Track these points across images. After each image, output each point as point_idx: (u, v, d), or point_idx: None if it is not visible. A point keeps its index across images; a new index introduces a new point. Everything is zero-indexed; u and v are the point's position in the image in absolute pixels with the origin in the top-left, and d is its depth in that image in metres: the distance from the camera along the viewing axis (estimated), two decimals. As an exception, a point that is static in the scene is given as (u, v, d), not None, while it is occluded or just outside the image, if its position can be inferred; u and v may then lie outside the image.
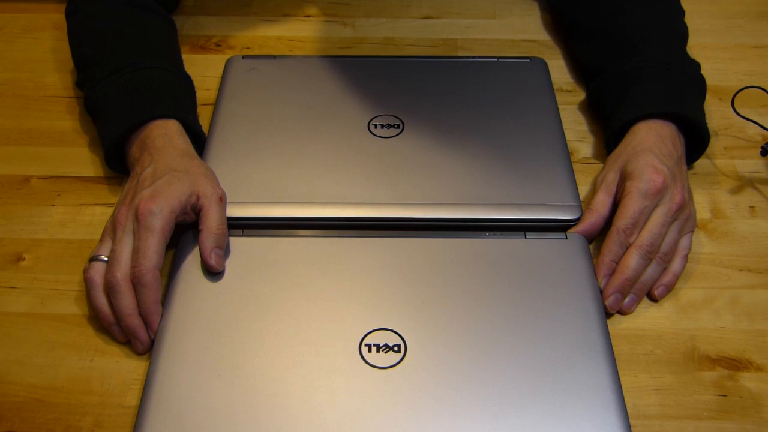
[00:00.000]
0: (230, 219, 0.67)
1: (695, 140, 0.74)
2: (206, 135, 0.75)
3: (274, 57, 0.84)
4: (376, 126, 0.76)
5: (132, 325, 0.60)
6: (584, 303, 0.62)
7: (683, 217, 0.67)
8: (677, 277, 0.67)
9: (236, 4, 0.96)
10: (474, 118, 0.77)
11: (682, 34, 0.82)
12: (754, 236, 0.71)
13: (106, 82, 0.73)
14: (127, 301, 0.60)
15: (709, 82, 0.78)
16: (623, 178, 0.69)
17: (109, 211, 0.72)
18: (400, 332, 0.60)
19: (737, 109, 0.78)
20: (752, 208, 0.73)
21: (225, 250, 0.65)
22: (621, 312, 0.65)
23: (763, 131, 0.80)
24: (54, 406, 0.58)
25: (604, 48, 0.81)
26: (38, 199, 0.73)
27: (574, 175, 0.72)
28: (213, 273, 0.64)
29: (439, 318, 0.61)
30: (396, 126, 0.76)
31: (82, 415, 0.58)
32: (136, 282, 0.60)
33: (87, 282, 0.62)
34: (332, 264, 0.65)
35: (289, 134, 0.75)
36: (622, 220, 0.66)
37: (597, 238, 0.69)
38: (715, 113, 0.83)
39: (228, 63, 0.84)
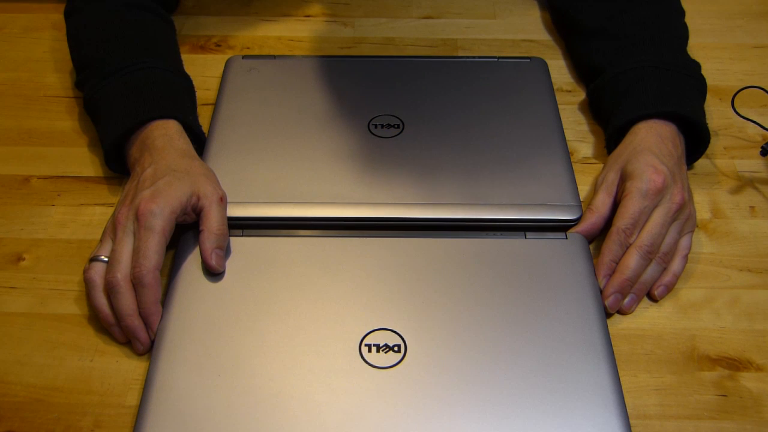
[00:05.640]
0: (230, 219, 0.67)
1: (696, 140, 0.74)
2: (206, 135, 0.75)
3: (274, 57, 0.85)
4: (376, 126, 0.76)
5: (132, 326, 0.60)
6: (584, 303, 0.62)
7: (683, 217, 0.67)
8: (677, 277, 0.67)
9: (236, 4, 0.96)
10: (474, 118, 0.77)
11: (683, 34, 0.82)
12: (754, 236, 0.71)
13: (106, 83, 0.73)
14: (127, 301, 0.60)
15: (709, 82, 0.78)
16: (623, 178, 0.69)
17: (109, 211, 0.72)
18: (400, 332, 0.60)
19: (737, 109, 0.78)
20: (752, 208, 0.73)
21: (225, 251, 0.65)
22: (621, 312, 0.65)
23: (763, 131, 0.80)
24: (54, 406, 0.58)
25: (605, 48, 0.81)
26: (38, 199, 0.73)
27: (574, 175, 0.72)
28: (213, 273, 0.64)
29: (439, 318, 0.61)
30: (396, 126, 0.76)
31: (82, 415, 0.58)
32: (136, 282, 0.60)
33: (87, 282, 0.62)
34: (332, 264, 0.65)
35: (289, 134, 0.75)
36: (622, 221, 0.66)
37: (597, 238, 0.69)
38: (715, 113, 0.83)
39: (228, 63, 0.84)
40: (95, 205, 0.73)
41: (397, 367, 0.58)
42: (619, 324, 0.64)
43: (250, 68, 0.83)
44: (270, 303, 0.62)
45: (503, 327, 0.60)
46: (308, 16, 0.95)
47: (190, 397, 0.56)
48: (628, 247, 0.65)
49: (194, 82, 0.79)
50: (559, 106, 0.80)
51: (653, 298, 0.66)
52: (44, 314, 0.64)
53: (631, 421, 0.57)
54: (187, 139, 0.71)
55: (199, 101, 0.80)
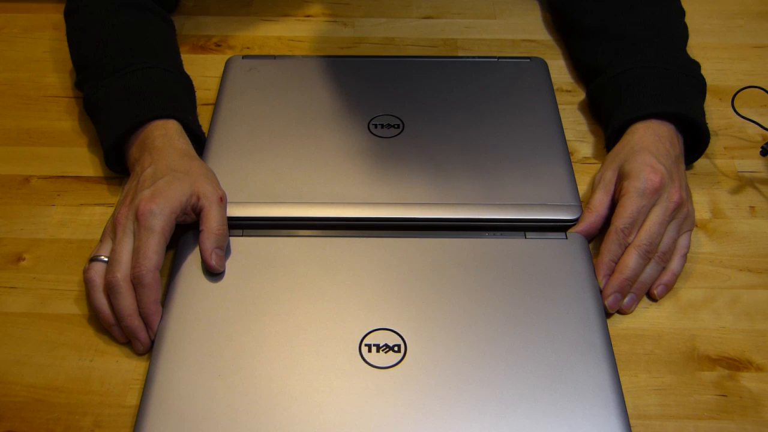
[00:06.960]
0: (230, 219, 0.67)
1: (695, 140, 0.74)
2: (206, 135, 0.75)
3: (274, 57, 0.85)
4: (376, 126, 0.76)
5: (132, 326, 0.60)
6: (584, 303, 0.62)
7: (681, 216, 0.67)
8: (676, 276, 0.67)
9: (236, 4, 0.96)
10: (474, 118, 0.77)
11: (683, 34, 0.82)
12: (754, 236, 0.71)
13: (106, 83, 0.73)
14: (127, 301, 0.60)
15: (709, 82, 0.78)
16: (621, 178, 0.69)
17: (109, 211, 0.72)
18: (400, 332, 0.60)
19: (737, 109, 0.78)
20: (752, 208, 0.73)
21: (225, 251, 0.65)
22: (621, 312, 0.65)
23: (763, 131, 0.80)
24: (54, 406, 0.58)
25: (604, 48, 0.81)
26: (38, 199, 0.73)
27: (574, 175, 0.72)
28: (213, 273, 0.64)
29: (439, 318, 0.61)
30: (396, 126, 0.76)
31: (82, 415, 0.58)
32: (136, 282, 0.60)
33: (87, 282, 0.62)
34: (332, 264, 0.65)
35: (289, 134, 0.75)
36: (621, 220, 0.66)
37: (596, 237, 0.69)
38: (715, 113, 0.83)
39: (228, 63, 0.84)
40: (95, 205, 0.73)
41: (397, 367, 0.58)
42: (619, 324, 0.64)
43: (250, 68, 0.83)
44: (270, 303, 0.62)
45: (503, 327, 0.60)
46: (308, 16, 0.95)
47: (190, 397, 0.56)
48: (627, 247, 0.65)
49: (194, 82, 0.79)
50: (559, 106, 0.80)
51: (653, 298, 0.66)
52: (44, 314, 0.64)
53: (631, 421, 0.57)
54: (187, 139, 0.71)
55: (199, 101, 0.80)
